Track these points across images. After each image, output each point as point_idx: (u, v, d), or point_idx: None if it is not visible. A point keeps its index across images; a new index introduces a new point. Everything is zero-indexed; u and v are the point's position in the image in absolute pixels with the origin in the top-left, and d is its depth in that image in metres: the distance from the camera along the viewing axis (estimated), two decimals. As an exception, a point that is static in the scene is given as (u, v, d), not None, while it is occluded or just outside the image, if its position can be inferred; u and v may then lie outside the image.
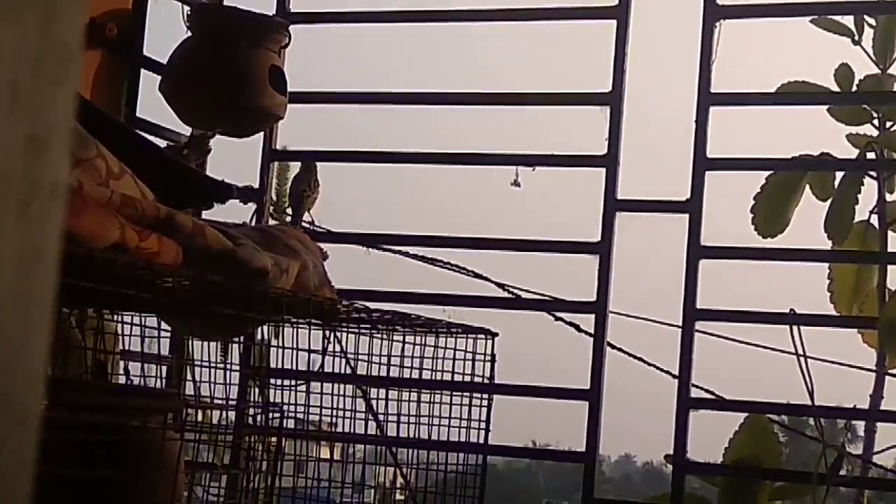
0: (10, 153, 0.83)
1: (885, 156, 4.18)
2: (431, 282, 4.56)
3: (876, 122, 4.19)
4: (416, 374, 3.30)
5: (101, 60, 3.99)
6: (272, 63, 4.00)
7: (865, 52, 4.24)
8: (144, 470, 2.57)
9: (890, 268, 4.07)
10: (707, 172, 3.80)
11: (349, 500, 3.73)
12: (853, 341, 3.98)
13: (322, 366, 3.40)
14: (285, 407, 3.19)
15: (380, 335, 3.27)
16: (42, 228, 0.85)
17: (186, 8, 4.13)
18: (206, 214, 3.42)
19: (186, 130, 4.10)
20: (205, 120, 4.00)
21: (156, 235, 2.47)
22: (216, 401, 2.82)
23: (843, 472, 3.69)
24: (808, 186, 4.10)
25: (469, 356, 3.31)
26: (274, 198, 4.52)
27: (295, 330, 3.14)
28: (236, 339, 3.42)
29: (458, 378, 3.32)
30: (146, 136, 3.86)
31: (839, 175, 4.12)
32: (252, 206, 4.26)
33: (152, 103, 4.06)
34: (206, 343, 2.92)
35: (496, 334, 3.36)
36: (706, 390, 3.96)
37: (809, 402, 3.63)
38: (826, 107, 4.17)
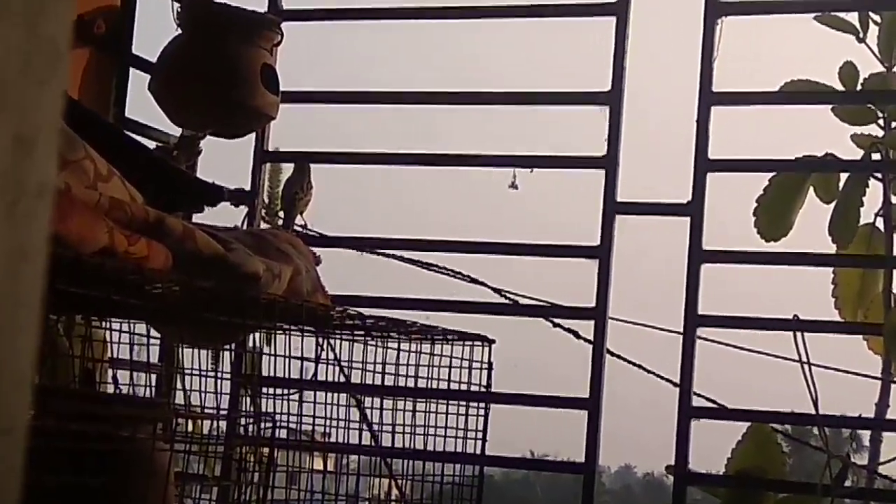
0: (-3, 153, 0.84)
1: (890, 157, 4.16)
2: (427, 287, 4.52)
3: (881, 121, 4.17)
4: (411, 383, 3.26)
5: (88, 58, 3.95)
6: (264, 61, 3.97)
7: (870, 49, 4.20)
8: (133, 482, 2.54)
9: (896, 272, 4.02)
10: (709, 174, 3.76)
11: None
12: (858, 348, 3.94)
13: (315, 374, 3.34)
14: (278, 416, 3.16)
15: (374, 342, 3.24)
16: (29, 229, 0.87)
17: (176, 5, 4.08)
18: (196, 218, 3.40)
19: (176, 131, 4.07)
20: (195, 117, 3.95)
21: (145, 239, 2.47)
22: (207, 410, 2.79)
23: (848, 483, 3.66)
24: (811, 188, 4.09)
25: (465, 364, 3.27)
26: (266, 200, 4.47)
27: (287, 337, 3.12)
28: (227, 347, 3.39)
29: (454, 386, 3.28)
30: (135, 136, 3.81)
31: (843, 176, 4.10)
32: (243, 209, 4.24)
33: (141, 103, 4.04)
34: (196, 350, 2.89)
35: (493, 341, 3.32)
36: (708, 399, 3.94)
37: (814, 411, 3.60)
38: (830, 106, 4.12)
